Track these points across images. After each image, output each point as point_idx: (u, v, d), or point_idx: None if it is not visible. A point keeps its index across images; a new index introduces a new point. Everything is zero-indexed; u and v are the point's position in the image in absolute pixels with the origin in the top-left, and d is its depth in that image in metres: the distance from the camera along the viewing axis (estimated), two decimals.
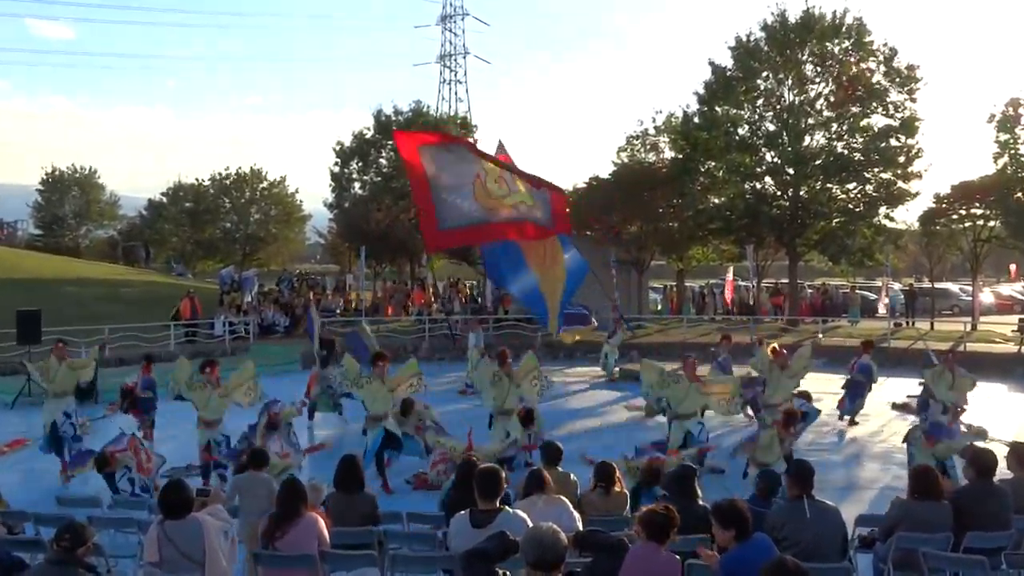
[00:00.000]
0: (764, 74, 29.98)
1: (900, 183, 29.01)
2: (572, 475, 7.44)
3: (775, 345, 12.60)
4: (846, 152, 29.30)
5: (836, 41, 29.00)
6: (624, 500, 7.08)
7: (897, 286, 36.08)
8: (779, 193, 30.37)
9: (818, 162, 29.19)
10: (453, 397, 16.95)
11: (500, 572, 4.03)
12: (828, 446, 12.58)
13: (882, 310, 31.52)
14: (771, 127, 30.15)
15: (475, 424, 11.48)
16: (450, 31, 79.11)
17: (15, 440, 13.30)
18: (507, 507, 5.21)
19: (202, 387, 10.57)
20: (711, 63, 30.72)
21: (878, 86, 28.79)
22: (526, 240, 11.29)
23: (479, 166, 10.79)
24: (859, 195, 29.79)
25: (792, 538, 5.44)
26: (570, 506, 5.76)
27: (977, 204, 28.47)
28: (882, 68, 28.89)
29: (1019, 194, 27.45)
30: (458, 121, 46.62)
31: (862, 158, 29.00)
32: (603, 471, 7.04)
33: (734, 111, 30.63)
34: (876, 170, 29.10)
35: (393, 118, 39.75)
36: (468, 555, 4.12)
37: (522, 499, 5.90)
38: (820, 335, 24.74)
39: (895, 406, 15.60)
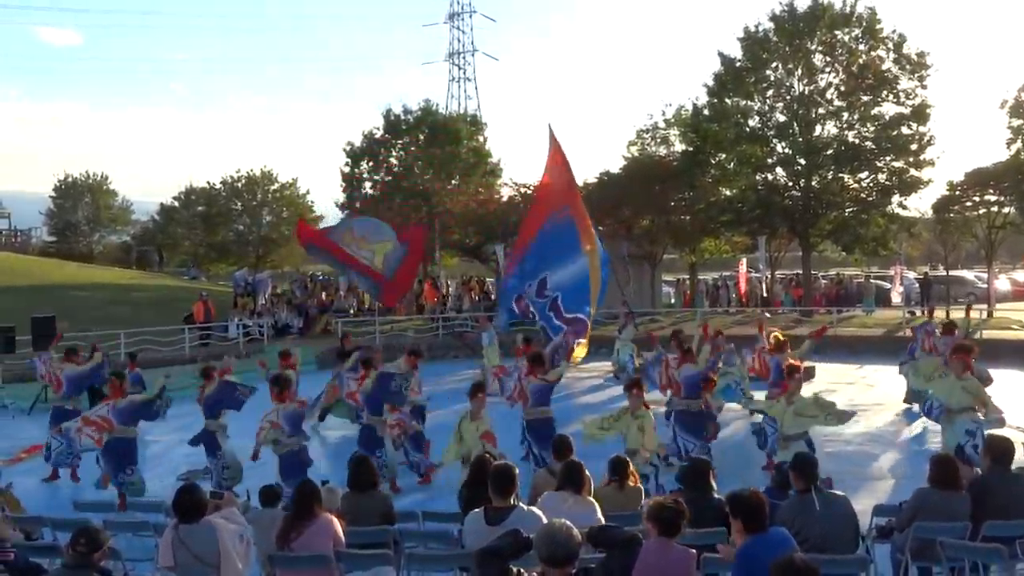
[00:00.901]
0: (773, 64, 29.83)
1: (913, 171, 28.81)
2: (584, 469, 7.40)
3: (777, 335, 12.85)
4: (857, 141, 29.14)
5: (846, 30, 28.83)
6: (638, 495, 7.03)
7: (911, 274, 35.85)
8: (791, 184, 30.23)
9: (829, 152, 29.03)
10: (464, 397, 16.82)
11: (514, 570, 4.02)
12: (846, 436, 12.48)
13: (897, 299, 31.32)
14: (781, 117, 29.99)
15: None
16: (458, 28, 79.24)
17: (32, 446, 13.36)
18: (521, 504, 5.19)
19: None
20: (720, 54, 30.63)
21: (888, 74, 28.61)
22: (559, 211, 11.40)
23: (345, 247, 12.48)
24: (871, 184, 29.60)
25: (803, 533, 5.39)
26: (599, 511, 5.63)
27: (991, 190, 28.23)
28: (892, 55, 28.69)
29: None
30: (467, 119, 46.54)
31: (874, 147, 28.83)
32: (617, 465, 6.96)
33: (744, 102, 30.50)
34: (888, 158, 28.94)
35: (403, 117, 39.77)
36: (481, 553, 4.11)
37: (554, 490, 5.83)
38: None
39: None
